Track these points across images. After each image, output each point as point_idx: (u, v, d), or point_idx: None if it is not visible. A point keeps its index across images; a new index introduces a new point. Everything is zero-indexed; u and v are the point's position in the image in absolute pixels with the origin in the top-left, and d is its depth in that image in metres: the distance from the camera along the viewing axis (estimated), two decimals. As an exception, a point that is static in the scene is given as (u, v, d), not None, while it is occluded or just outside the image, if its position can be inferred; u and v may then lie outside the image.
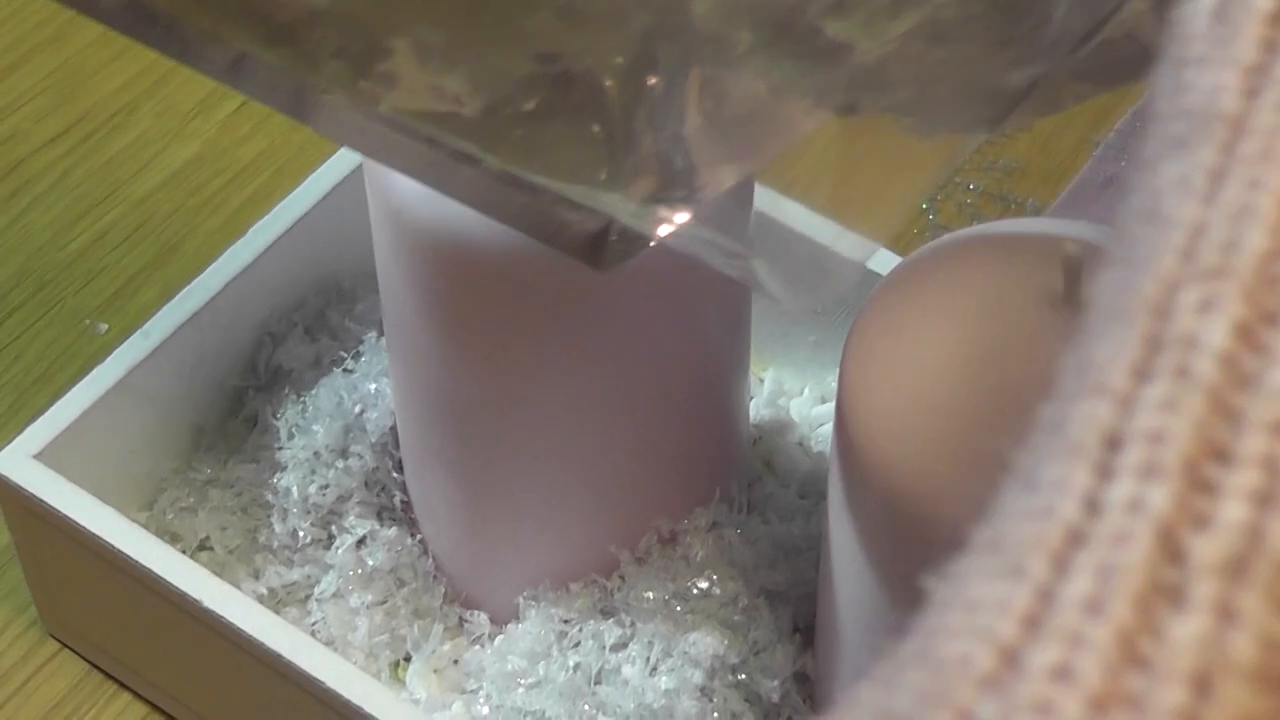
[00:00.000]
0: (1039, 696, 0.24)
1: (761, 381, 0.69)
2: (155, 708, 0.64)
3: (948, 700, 0.25)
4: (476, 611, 0.62)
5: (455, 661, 0.61)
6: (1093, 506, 0.26)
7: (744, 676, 0.57)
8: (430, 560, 0.63)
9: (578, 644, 0.59)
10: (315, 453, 0.63)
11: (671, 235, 0.42)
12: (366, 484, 0.63)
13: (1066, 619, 0.25)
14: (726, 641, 0.57)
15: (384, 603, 0.62)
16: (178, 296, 0.65)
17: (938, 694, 0.25)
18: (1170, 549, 0.25)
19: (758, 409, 0.68)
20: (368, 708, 0.57)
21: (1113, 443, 0.26)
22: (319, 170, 0.68)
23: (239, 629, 0.58)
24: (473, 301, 0.55)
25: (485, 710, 0.59)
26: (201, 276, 0.65)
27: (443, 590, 0.63)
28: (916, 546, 0.48)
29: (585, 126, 0.43)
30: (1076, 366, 0.28)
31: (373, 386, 0.64)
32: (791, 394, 0.69)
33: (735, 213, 0.48)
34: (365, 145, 0.45)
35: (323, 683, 0.57)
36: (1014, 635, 0.25)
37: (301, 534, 0.63)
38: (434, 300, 0.56)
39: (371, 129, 0.44)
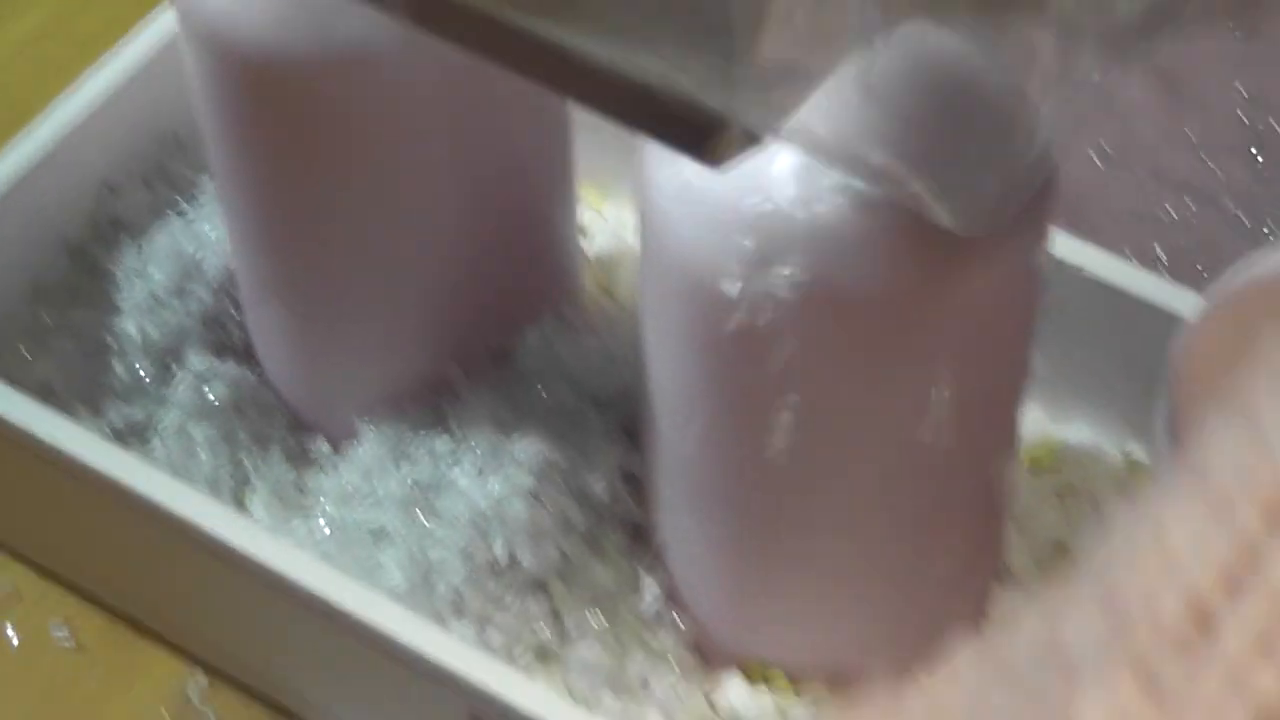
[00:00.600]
0: (1234, 666, 0.21)
1: (602, 215, 0.70)
2: (16, 555, 0.65)
3: (1129, 655, 0.22)
4: (317, 437, 0.63)
5: (297, 487, 0.62)
6: None
7: (573, 479, 0.58)
8: (270, 392, 0.64)
9: (413, 460, 0.60)
10: (154, 295, 0.64)
11: (797, 137, 0.39)
12: (205, 323, 0.64)
13: (1276, 583, 0.22)
14: (555, 446, 0.58)
15: (226, 434, 0.63)
16: (10, 150, 0.65)
17: (1119, 646, 0.22)
18: None
19: (599, 240, 0.69)
20: (212, 529, 0.58)
21: None
22: (154, 22, 0.69)
23: (83, 463, 0.59)
24: (282, 122, 0.55)
25: (326, 529, 0.60)
26: (33, 130, 0.66)
27: (283, 419, 0.63)
28: (719, 332, 0.49)
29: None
30: None
31: (210, 230, 0.65)
32: (631, 225, 0.70)
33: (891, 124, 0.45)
34: (463, 37, 0.43)
35: (167, 509, 0.58)
36: (1213, 593, 0.22)
37: (143, 373, 0.64)
38: (246, 125, 0.56)
39: (469, 16, 0.42)
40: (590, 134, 0.62)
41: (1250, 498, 0.22)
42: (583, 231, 0.68)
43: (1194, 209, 0.71)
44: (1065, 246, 0.62)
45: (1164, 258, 0.69)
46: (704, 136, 0.41)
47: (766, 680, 0.58)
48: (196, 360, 0.63)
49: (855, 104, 0.43)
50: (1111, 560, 0.23)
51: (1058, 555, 0.61)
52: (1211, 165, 0.72)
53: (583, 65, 0.41)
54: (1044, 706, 0.22)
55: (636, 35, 0.40)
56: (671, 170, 0.50)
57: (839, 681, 0.57)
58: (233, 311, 0.64)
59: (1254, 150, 0.73)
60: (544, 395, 0.60)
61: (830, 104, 0.43)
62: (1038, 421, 0.64)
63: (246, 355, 0.64)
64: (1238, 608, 0.22)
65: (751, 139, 0.41)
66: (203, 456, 0.62)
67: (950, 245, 0.47)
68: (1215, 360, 0.48)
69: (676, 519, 0.56)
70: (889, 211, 0.47)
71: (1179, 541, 0.22)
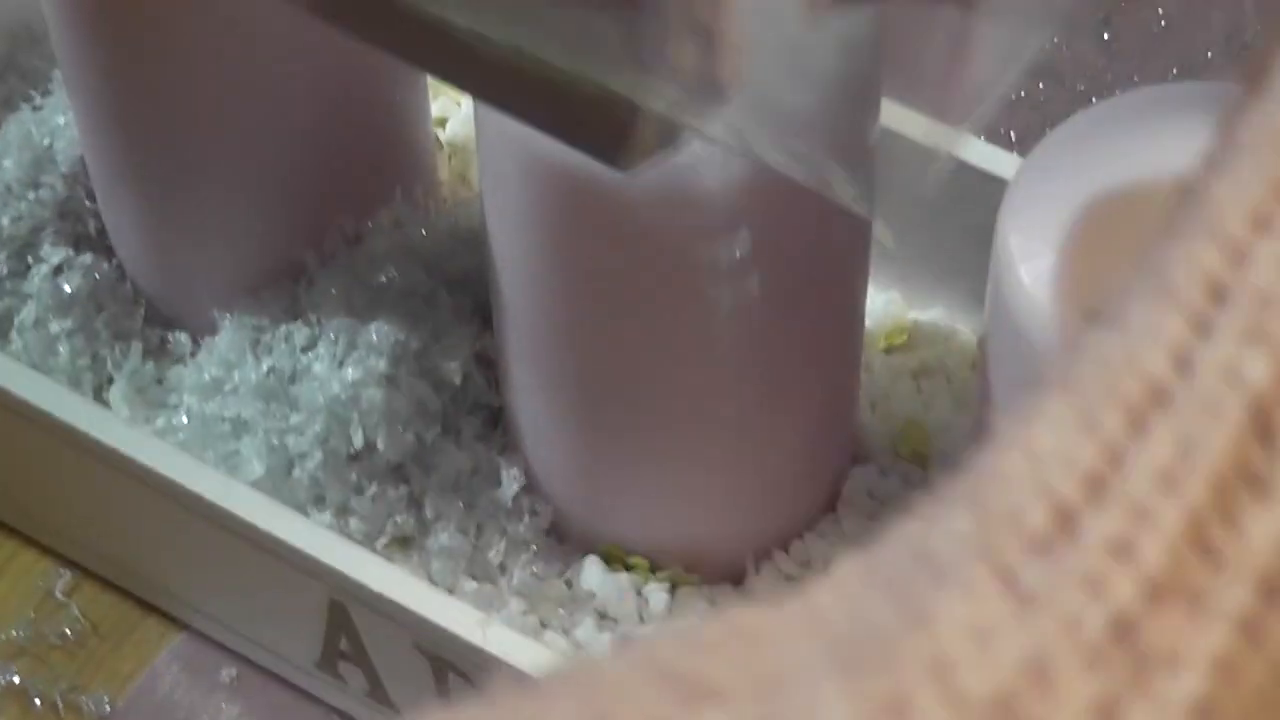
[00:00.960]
0: (1092, 570, 0.22)
1: (459, 104, 0.70)
2: None
3: (991, 557, 0.22)
4: (177, 330, 0.63)
5: (158, 381, 0.63)
6: (1183, 364, 0.23)
7: (426, 362, 0.59)
8: (129, 284, 0.64)
9: (271, 349, 0.60)
10: (6, 186, 0.64)
11: (715, 128, 0.36)
12: (60, 214, 0.64)
13: (1135, 488, 0.22)
14: (409, 329, 0.59)
15: (84, 328, 0.63)
16: None
17: (982, 548, 0.23)
18: (1262, 430, 0.22)
19: (454, 128, 0.69)
20: (72, 422, 0.58)
21: (1217, 295, 0.23)
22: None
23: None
24: (127, 8, 0.55)
25: (185, 420, 0.60)
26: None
27: (142, 312, 0.63)
28: (550, 199, 0.50)
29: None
30: (1195, 202, 0.24)
31: (61, 120, 0.64)
32: (488, 112, 0.70)
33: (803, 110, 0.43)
34: (377, 36, 0.41)
35: (28, 402, 0.59)
36: (1075, 496, 0.22)
37: (-1, 267, 0.64)
38: (91, 10, 0.56)
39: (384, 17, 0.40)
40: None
41: (1113, 402, 0.23)
42: (441, 123, 0.69)
43: (1043, 89, 0.72)
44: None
45: (1014, 138, 0.70)
46: (615, 137, 0.38)
47: (625, 564, 0.59)
48: (52, 252, 0.63)
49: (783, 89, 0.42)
50: (984, 467, 0.24)
51: (912, 431, 0.62)
52: (1061, 45, 0.73)
53: (480, 56, 0.38)
54: (907, 609, 0.22)
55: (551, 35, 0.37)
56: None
57: (695, 564, 0.58)
58: (88, 202, 0.64)
59: (1103, 31, 0.74)
60: (396, 277, 0.60)
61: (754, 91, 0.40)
62: (893, 303, 0.65)
63: (104, 247, 0.64)
64: (1097, 511, 0.22)
65: (667, 137, 0.38)
66: (62, 350, 0.62)
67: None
68: (1035, 217, 0.49)
69: (529, 401, 0.57)
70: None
71: (1044, 445, 0.23)
